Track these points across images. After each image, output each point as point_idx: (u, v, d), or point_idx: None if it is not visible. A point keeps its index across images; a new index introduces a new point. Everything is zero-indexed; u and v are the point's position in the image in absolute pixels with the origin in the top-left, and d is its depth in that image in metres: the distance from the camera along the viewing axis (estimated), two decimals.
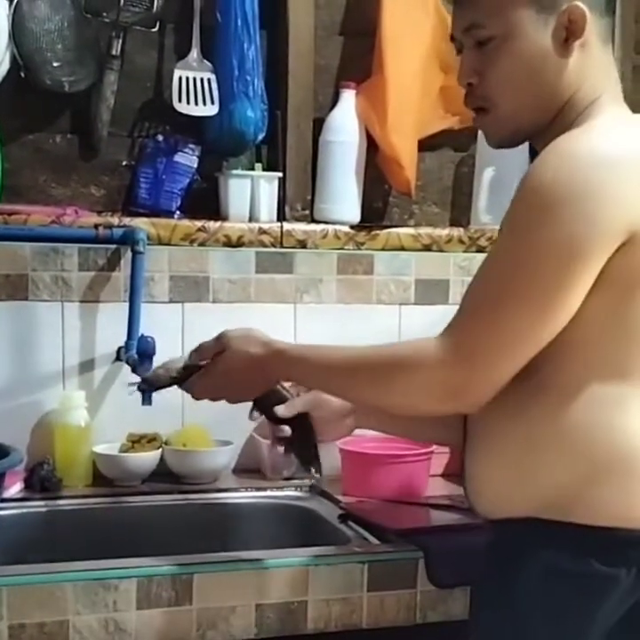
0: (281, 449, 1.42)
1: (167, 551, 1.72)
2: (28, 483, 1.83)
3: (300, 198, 2.09)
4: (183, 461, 1.90)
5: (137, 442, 1.89)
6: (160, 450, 1.90)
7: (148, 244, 1.93)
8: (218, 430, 1.94)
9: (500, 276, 1.14)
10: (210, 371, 1.34)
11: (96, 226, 1.93)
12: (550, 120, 1.24)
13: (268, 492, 1.90)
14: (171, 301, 1.98)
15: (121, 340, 1.87)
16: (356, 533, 1.66)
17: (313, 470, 1.44)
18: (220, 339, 1.35)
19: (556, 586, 1.17)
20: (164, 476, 1.92)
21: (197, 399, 1.38)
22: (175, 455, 1.90)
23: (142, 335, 1.83)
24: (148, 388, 1.45)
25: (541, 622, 1.18)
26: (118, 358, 1.90)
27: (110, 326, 1.91)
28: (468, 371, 1.12)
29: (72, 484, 1.84)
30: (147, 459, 1.88)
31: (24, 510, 1.75)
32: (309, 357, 1.29)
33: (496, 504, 1.24)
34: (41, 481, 1.80)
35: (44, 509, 1.76)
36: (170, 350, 1.93)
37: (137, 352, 1.80)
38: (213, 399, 1.37)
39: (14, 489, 1.78)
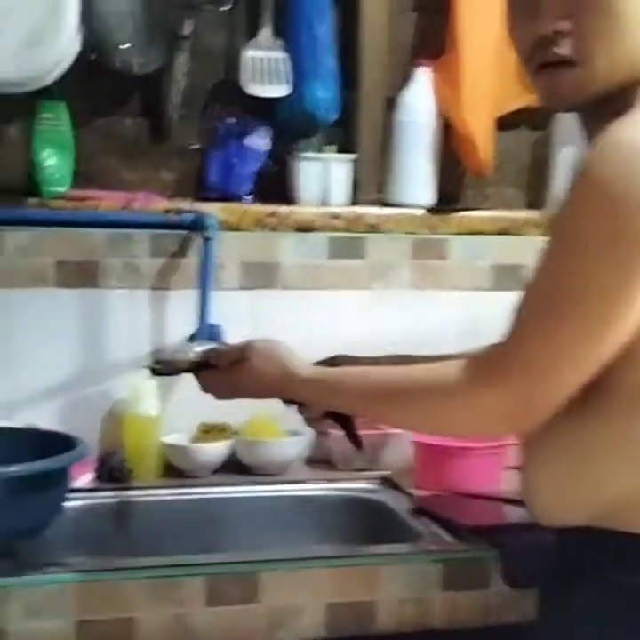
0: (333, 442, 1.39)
1: (236, 544, 1.72)
2: (98, 473, 1.82)
3: (373, 181, 2.04)
4: (253, 452, 1.88)
5: (207, 432, 1.87)
6: (230, 440, 1.88)
7: (218, 230, 1.91)
8: (288, 420, 1.92)
9: (556, 285, 1.03)
10: (225, 375, 1.32)
11: (166, 211, 1.90)
12: (616, 93, 1.08)
13: (339, 484, 1.87)
14: (241, 288, 1.95)
15: (191, 327, 1.85)
16: (429, 529, 1.62)
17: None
18: (243, 349, 1.31)
19: (612, 598, 1.11)
20: (234, 467, 1.90)
21: (205, 392, 1.37)
22: (245, 446, 1.88)
23: (210, 323, 1.81)
24: (163, 372, 1.40)
25: (596, 636, 1.13)
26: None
27: (180, 314, 1.89)
28: (527, 391, 1.02)
29: (142, 475, 1.84)
30: (217, 449, 1.86)
31: (94, 501, 1.74)
32: (328, 380, 1.23)
33: (554, 511, 1.18)
34: (110, 471, 1.80)
35: (113, 500, 1.75)
36: (239, 338, 1.92)
37: (204, 335, 1.78)
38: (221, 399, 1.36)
39: (84, 479, 1.78)
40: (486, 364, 1.05)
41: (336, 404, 1.26)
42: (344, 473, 1.90)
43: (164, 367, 1.40)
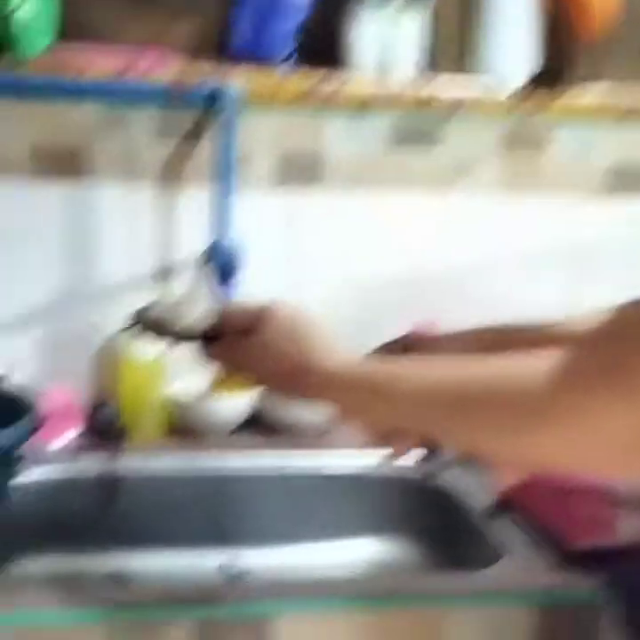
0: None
1: (257, 532, 1.32)
2: (84, 429, 1.40)
3: (454, 45, 1.53)
4: (284, 410, 1.44)
5: (224, 381, 1.43)
6: (254, 393, 1.43)
7: (246, 106, 1.43)
8: None
9: None
10: (231, 347, 0.91)
11: (177, 79, 1.42)
12: None
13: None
14: (272, 186, 1.48)
15: (205, 237, 1.39)
16: (516, 542, 1.18)
17: None
18: (258, 316, 0.90)
19: None
20: (259, 427, 1.47)
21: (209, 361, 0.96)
22: (274, 401, 1.44)
23: (227, 238, 1.35)
24: (145, 334, 0.96)
25: None
26: (206, 263, 1.43)
27: (192, 218, 1.43)
28: None
29: (139, 436, 1.41)
30: (237, 405, 1.43)
31: (72, 469, 1.32)
32: (365, 376, 0.83)
33: None
34: (100, 428, 1.37)
35: (98, 469, 1.32)
36: (268, 253, 1.47)
37: (218, 261, 1.32)
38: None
39: (66, 436, 1.36)
40: (602, 369, 0.66)
41: (375, 415, 0.83)
42: None
43: (151, 330, 0.96)
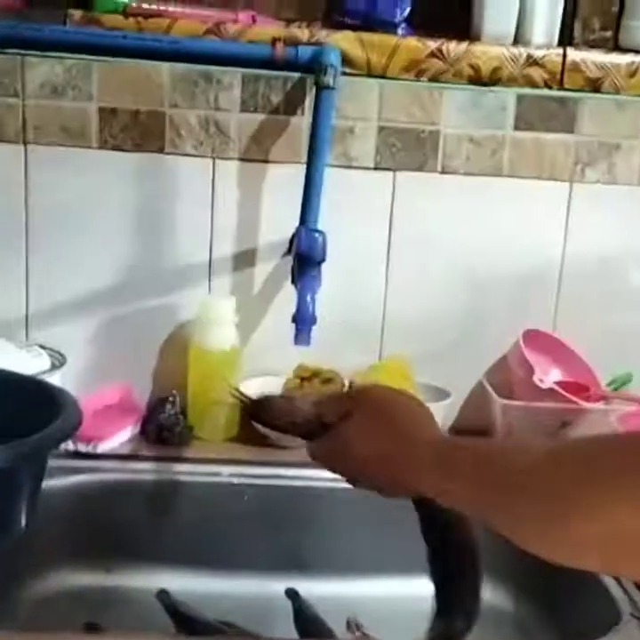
0: None
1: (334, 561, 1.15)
2: (143, 429, 1.25)
3: (599, 11, 1.30)
4: None
5: (307, 380, 1.25)
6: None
7: (350, 74, 1.24)
8: (429, 372, 1.28)
9: None
10: (329, 437, 0.83)
11: (274, 41, 1.24)
12: None
13: None
14: (377, 168, 1.29)
15: (293, 222, 1.21)
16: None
17: None
18: (350, 399, 0.84)
19: None
20: None
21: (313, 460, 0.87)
22: None
23: (313, 229, 1.16)
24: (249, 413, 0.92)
25: None
26: (291, 251, 1.25)
27: (284, 200, 1.25)
28: None
29: (207, 437, 1.25)
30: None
31: (122, 475, 1.17)
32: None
33: None
34: (159, 430, 1.21)
35: (153, 476, 1.16)
36: (366, 241, 1.28)
37: (299, 251, 1.14)
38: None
39: (120, 437, 1.21)
40: None
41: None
42: None
43: (251, 411, 0.91)
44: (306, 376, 1.25)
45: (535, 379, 1.23)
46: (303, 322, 1.10)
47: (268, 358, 1.29)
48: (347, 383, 1.27)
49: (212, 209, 1.27)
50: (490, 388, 1.28)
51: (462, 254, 1.32)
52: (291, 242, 1.24)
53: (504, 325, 1.32)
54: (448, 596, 0.86)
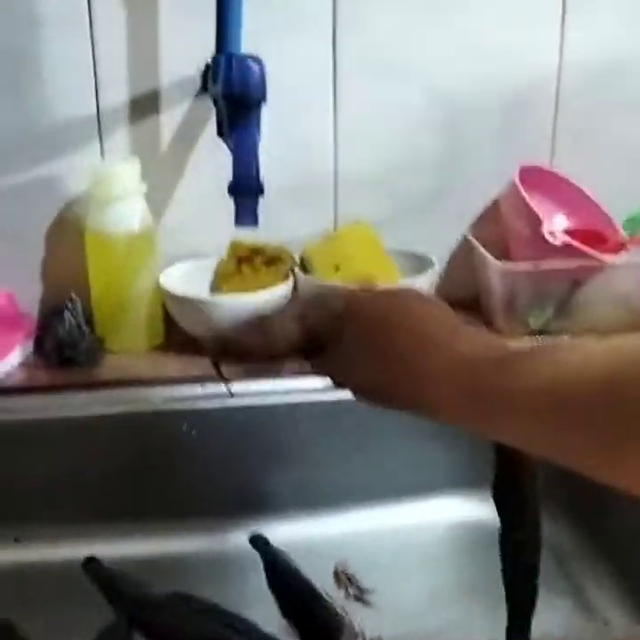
0: None
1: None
2: (37, 348, 0.93)
3: None
4: None
5: (246, 260, 0.94)
6: (290, 280, 0.95)
7: None
8: (400, 236, 0.99)
9: None
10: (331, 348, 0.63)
11: None
12: None
13: None
14: None
15: (209, 49, 0.88)
16: None
17: None
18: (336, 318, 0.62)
19: None
20: None
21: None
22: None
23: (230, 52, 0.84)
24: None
25: None
26: (205, 88, 0.92)
27: (191, 20, 0.91)
28: None
29: (123, 349, 0.94)
30: (264, 300, 0.94)
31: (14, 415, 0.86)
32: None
33: None
34: (58, 348, 0.90)
35: (55, 414, 0.86)
36: (304, 68, 0.97)
37: (230, 88, 0.81)
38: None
39: (9, 362, 0.90)
40: None
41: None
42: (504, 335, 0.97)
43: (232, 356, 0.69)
44: (245, 255, 0.95)
45: (544, 231, 0.94)
46: (246, 191, 0.78)
47: (193, 236, 0.97)
48: (298, 260, 0.97)
49: (91, 39, 0.93)
50: (482, 249, 0.99)
51: (431, 76, 1.00)
52: (204, 76, 0.92)
53: (489, 164, 1.03)
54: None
